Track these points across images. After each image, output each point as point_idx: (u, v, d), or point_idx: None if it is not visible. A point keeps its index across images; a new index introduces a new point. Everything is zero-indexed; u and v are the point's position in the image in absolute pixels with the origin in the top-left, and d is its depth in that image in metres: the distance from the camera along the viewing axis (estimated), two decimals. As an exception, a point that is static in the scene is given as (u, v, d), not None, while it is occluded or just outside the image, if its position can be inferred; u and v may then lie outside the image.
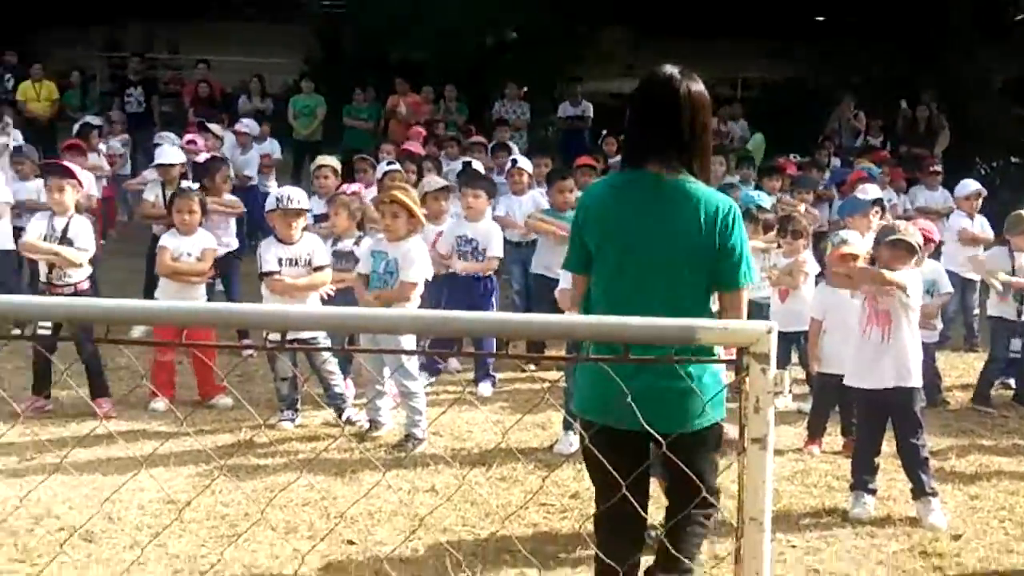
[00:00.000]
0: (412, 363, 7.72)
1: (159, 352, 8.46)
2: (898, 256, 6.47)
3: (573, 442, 7.46)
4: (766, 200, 10.08)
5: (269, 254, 8.07)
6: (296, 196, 8.18)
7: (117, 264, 11.95)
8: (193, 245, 8.66)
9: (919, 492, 6.48)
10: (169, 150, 11.27)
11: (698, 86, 4.18)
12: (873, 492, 6.59)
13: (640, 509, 3.99)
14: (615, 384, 3.46)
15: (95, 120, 16.03)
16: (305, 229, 8.32)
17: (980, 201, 11.20)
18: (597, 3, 23.03)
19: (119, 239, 14.76)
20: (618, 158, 14.50)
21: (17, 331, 9.09)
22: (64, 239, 8.17)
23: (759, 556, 2.87)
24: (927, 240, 8.70)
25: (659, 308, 3.67)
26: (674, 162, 4.14)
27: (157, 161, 11.03)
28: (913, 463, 6.51)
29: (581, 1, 22.54)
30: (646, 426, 3.41)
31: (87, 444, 7.27)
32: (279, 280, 7.98)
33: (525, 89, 19.56)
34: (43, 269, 8.25)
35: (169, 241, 8.66)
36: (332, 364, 7.96)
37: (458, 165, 12.57)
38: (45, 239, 8.17)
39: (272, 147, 16.13)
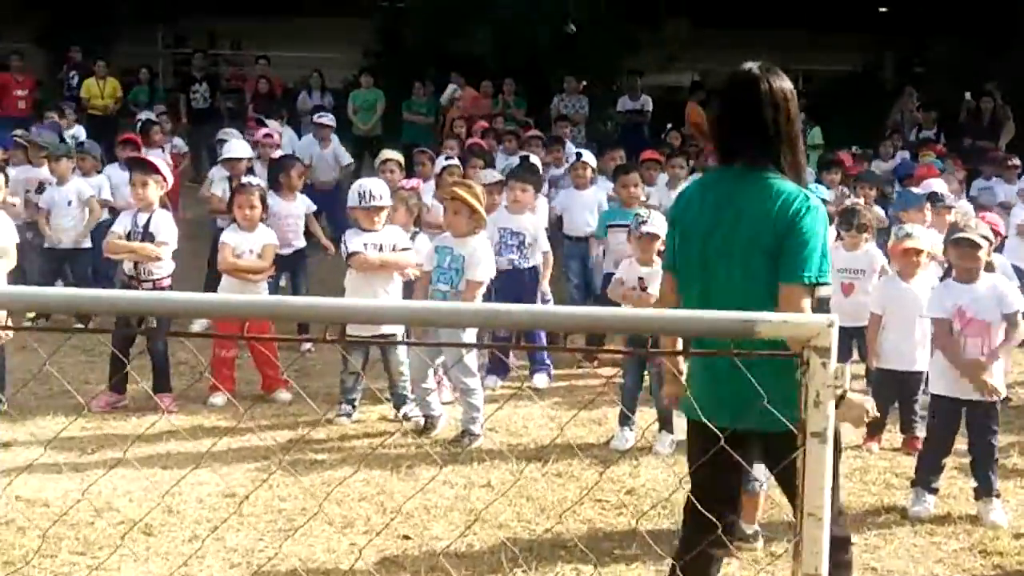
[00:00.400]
0: (471, 359, 7.71)
1: (220, 347, 8.48)
2: (965, 254, 6.37)
3: (629, 438, 7.45)
4: (825, 193, 9.93)
5: (353, 241, 8.09)
6: (378, 191, 8.17)
7: (180, 260, 12.02)
8: (254, 241, 8.69)
9: (984, 492, 6.38)
10: (237, 144, 11.39)
11: (781, 82, 4.16)
12: (935, 491, 6.49)
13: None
14: (713, 382, 3.64)
15: (154, 116, 16.16)
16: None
17: None
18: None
19: (182, 235, 14.81)
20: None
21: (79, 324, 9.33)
22: (146, 235, 8.25)
23: (818, 552, 2.81)
24: (995, 234, 8.58)
25: (737, 300, 3.74)
26: (760, 158, 4.12)
27: (225, 155, 11.15)
28: (984, 464, 6.41)
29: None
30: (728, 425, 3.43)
31: (148, 439, 7.31)
32: (362, 256, 7.99)
33: (584, 83, 19.49)
34: (127, 265, 8.33)
35: (230, 237, 8.69)
36: (405, 364, 7.95)
37: (515, 160, 12.51)
38: (129, 236, 8.27)
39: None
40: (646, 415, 7.68)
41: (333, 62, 22.81)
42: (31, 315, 9.60)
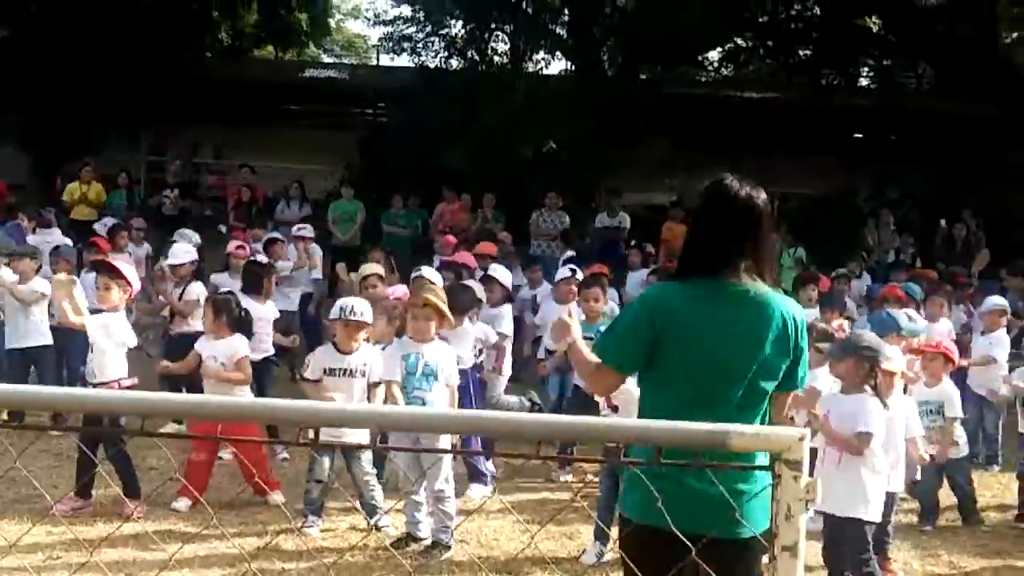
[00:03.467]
0: (446, 465, 7.66)
1: (194, 450, 8.40)
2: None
3: (601, 552, 7.38)
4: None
5: (317, 361, 8.11)
6: (360, 308, 8.18)
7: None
8: (225, 351, 8.69)
9: None
10: (179, 248, 11.55)
11: (762, 195, 4.22)
12: None
13: None
14: (659, 484, 3.48)
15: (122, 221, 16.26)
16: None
17: (1004, 319, 11.10)
18: (636, 115, 23.26)
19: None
20: (642, 271, 14.65)
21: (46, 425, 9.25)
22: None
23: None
24: (947, 360, 8.68)
25: (731, 416, 3.78)
26: (745, 271, 4.13)
27: (168, 261, 11.30)
28: None
29: (620, 113, 22.76)
30: (676, 529, 3.33)
31: (114, 543, 7.21)
32: (308, 383, 8.01)
33: (564, 199, 19.68)
34: (88, 366, 8.30)
35: (203, 346, 8.71)
36: (371, 474, 7.92)
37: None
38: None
39: (315, 251, 16.24)
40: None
41: (314, 173, 23.01)
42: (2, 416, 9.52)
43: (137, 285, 8.98)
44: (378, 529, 7.82)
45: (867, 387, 6.61)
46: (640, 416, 4.24)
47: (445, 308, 7.88)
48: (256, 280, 10.40)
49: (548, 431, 3.53)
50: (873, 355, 6.67)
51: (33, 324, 10.65)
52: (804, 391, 4.39)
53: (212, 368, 8.65)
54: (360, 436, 7.38)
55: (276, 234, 14.33)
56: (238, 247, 12.66)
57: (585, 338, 9.03)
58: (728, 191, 4.21)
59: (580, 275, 11.15)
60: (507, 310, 10.54)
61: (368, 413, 3.23)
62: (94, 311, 8.66)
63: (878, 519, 6.64)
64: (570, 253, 16.15)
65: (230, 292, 9.66)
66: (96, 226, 16.69)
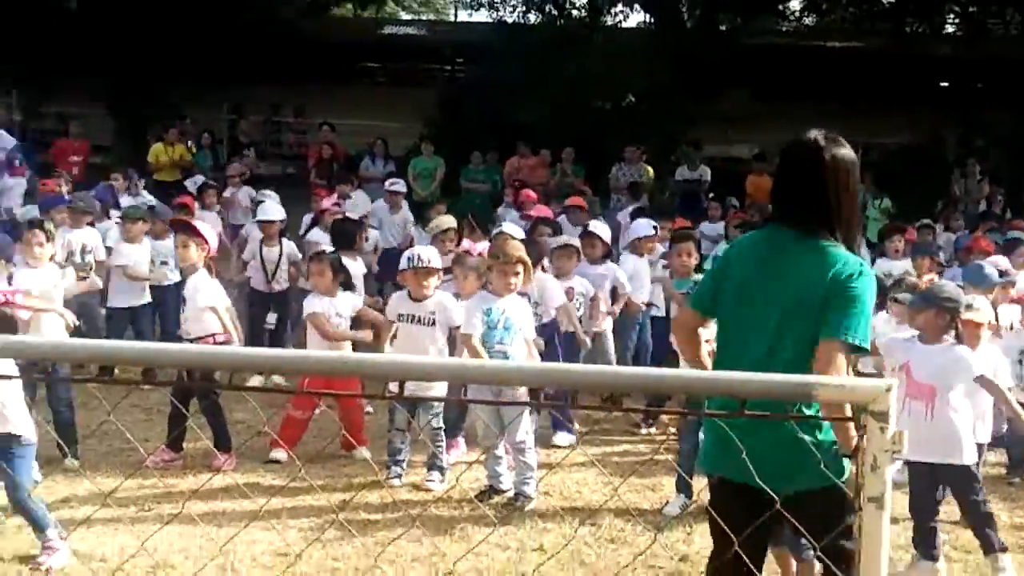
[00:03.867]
0: (526, 418, 7.72)
1: (297, 407, 8.52)
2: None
3: (684, 504, 7.40)
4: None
5: (392, 306, 8.30)
6: (427, 255, 8.26)
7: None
8: (339, 306, 8.84)
9: (987, 550, 6.41)
10: (271, 206, 11.64)
11: (843, 151, 4.20)
12: (934, 559, 6.43)
13: (754, 567, 3.90)
14: (743, 439, 3.43)
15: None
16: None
17: None
18: (715, 67, 23.02)
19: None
20: (719, 224, 14.52)
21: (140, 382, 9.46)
22: (183, 297, 8.42)
23: (875, 619, 2.79)
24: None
25: (769, 360, 3.89)
26: (815, 224, 4.15)
27: (259, 217, 11.40)
28: (977, 524, 6.50)
29: (699, 66, 22.54)
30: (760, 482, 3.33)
31: (204, 496, 7.37)
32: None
33: (643, 152, 19.57)
34: (182, 325, 8.52)
35: (316, 304, 8.83)
36: (440, 428, 8.02)
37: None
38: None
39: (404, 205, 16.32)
40: (702, 480, 7.60)
41: (393, 131, 23.10)
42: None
43: (215, 243, 9.10)
44: (426, 487, 7.90)
45: (947, 338, 6.54)
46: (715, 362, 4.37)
47: (530, 263, 7.92)
48: (349, 237, 10.54)
49: (631, 383, 3.55)
50: (954, 306, 6.59)
51: (133, 283, 10.86)
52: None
53: (335, 324, 8.77)
54: (438, 389, 7.42)
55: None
56: (334, 204, 12.77)
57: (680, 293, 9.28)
58: (804, 144, 4.22)
59: (598, 231, 10.84)
60: (613, 267, 10.46)
61: (450, 366, 3.26)
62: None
63: (976, 460, 6.61)
64: (636, 205, 15.96)
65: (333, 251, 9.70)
66: (187, 183, 16.90)
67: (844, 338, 3.99)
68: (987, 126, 21.99)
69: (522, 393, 7.16)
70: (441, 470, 7.98)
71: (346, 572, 6.28)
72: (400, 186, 14.99)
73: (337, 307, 8.82)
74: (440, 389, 7.40)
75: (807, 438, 3.94)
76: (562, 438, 9.10)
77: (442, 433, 8.07)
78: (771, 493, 3.25)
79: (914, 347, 6.64)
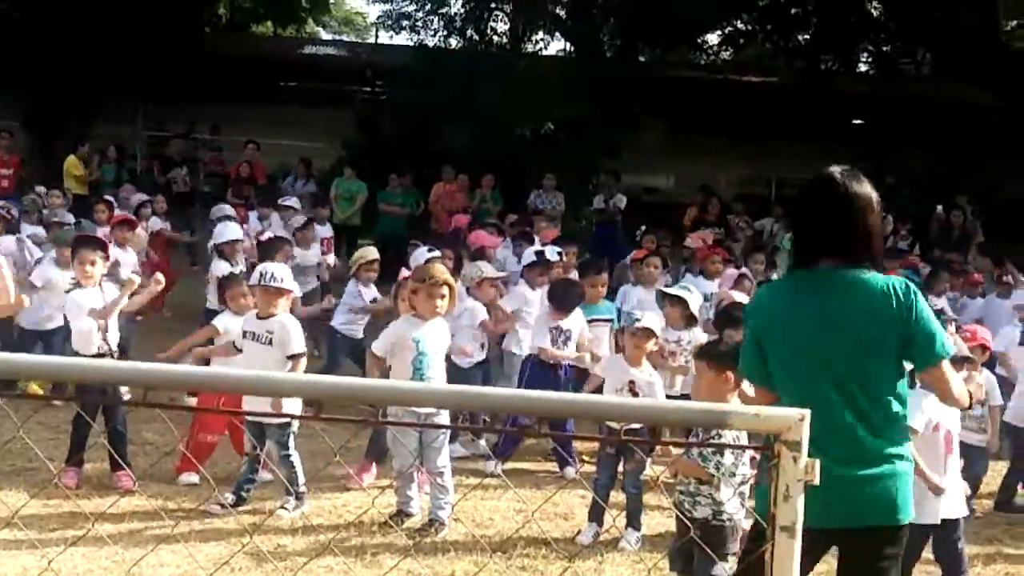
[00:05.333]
0: (446, 444, 7.70)
1: (204, 431, 8.39)
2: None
3: (596, 533, 7.42)
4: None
5: (243, 323, 8.20)
6: (280, 274, 8.20)
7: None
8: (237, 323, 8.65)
9: None
10: (232, 227, 11.59)
11: (865, 186, 4.24)
12: None
13: None
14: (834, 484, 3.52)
15: (142, 196, 16.29)
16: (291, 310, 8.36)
17: None
18: (633, 98, 23.26)
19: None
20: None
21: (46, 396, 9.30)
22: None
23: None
24: (983, 348, 8.62)
25: (854, 401, 4.03)
26: (849, 257, 4.17)
27: (222, 239, 11.32)
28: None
29: (618, 95, 22.75)
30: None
31: (110, 517, 7.23)
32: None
33: (556, 181, 19.66)
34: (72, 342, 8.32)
35: (224, 321, 8.75)
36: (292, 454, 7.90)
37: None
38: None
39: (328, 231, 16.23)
40: (615, 511, 7.64)
41: (312, 151, 22.99)
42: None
43: (113, 257, 9.05)
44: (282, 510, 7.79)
45: None
46: None
47: (457, 286, 7.89)
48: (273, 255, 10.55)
49: (551, 409, 3.56)
50: None
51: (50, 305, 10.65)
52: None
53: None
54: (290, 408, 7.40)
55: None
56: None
57: (593, 320, 9.43)
58: (827, 181, 4.25)
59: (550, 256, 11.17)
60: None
61: (373, 387, 3.23)
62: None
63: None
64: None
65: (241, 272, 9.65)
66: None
67: (942, 356, 4.12)
68: (898, 164, 22.44)
69: (442, 417, 7.17)
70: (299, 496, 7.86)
71: (254, 597, 6.21)
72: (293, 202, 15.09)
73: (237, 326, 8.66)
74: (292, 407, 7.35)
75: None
76: (569, 472, 9.07)
77: (292, 457, 7.90)
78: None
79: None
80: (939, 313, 9.32)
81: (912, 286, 4.16)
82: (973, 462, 8.72)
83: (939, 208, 19.81)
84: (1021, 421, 9.15)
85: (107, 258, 8.58)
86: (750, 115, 25.05)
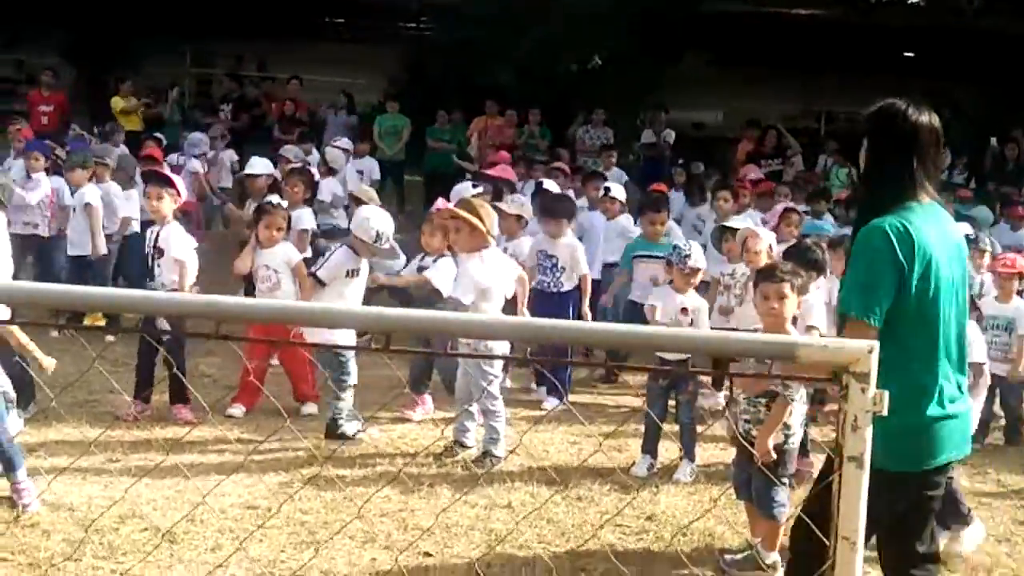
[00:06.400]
0: (495, 383, 7.75)
1: (248, 358, 8.50)
2: None
3: (650, 465, 7.48)
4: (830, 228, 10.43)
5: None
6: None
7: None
8: (277, 260, 8.71)
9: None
10: (256, 160, 11.54)
11: (933, 116, 4.27)
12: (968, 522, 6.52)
13: None
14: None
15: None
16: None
17: None
18: (682, 32, 23.03)
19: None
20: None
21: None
22: (155, 248, 8.34)
23: (851, 576, 2.85)
24: (1019, 275, 8.65)
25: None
26: (936, 192, 4.27)
27: (246, 171, 11.34)
28: None
29: (665, 30, 22.54)
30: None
31: (171, 449, 7.37)
32: None
33: (604, 115, 19.57)
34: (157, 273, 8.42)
35: (247, 260, 8.82)
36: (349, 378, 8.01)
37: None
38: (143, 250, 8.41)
39: (371, 166, 16.26)
40: (667, 443, 7.70)
41: (358, 88, 22.95)
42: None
43: (185, 194, 9.06)
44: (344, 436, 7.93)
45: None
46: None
47: (475, 220, 7.76)
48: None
49: (610, 340, 3.58)
50: None
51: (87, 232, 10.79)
52: None
53: (264, 276, 8.68)
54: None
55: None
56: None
57: (645, 256, 9.48)
58: (904, 113, 4.22)
59: (615, 193, 11.29)
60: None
61: (431, 319, 3.26)
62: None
63: None
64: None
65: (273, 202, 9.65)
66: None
67: None
68: (950, 97, 22.13)
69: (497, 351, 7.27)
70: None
71: (314, 526, 6.31)
72: (344, 143, 15.04)
73: (267, 260, 8.69)
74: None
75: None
76: (551, 403, 9.15)
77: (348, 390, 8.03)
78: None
79: None
80: (972, 241, 9.32)
81: None
82: (1004, 392, 8.73)
83: (993, 141, 19.57)
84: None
85: (177, 194, 8.61)
86: (797, 49, 24.75)
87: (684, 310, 7.56)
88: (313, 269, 8.10)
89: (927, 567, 4.27)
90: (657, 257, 9.44)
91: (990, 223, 12.25)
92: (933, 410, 4.06)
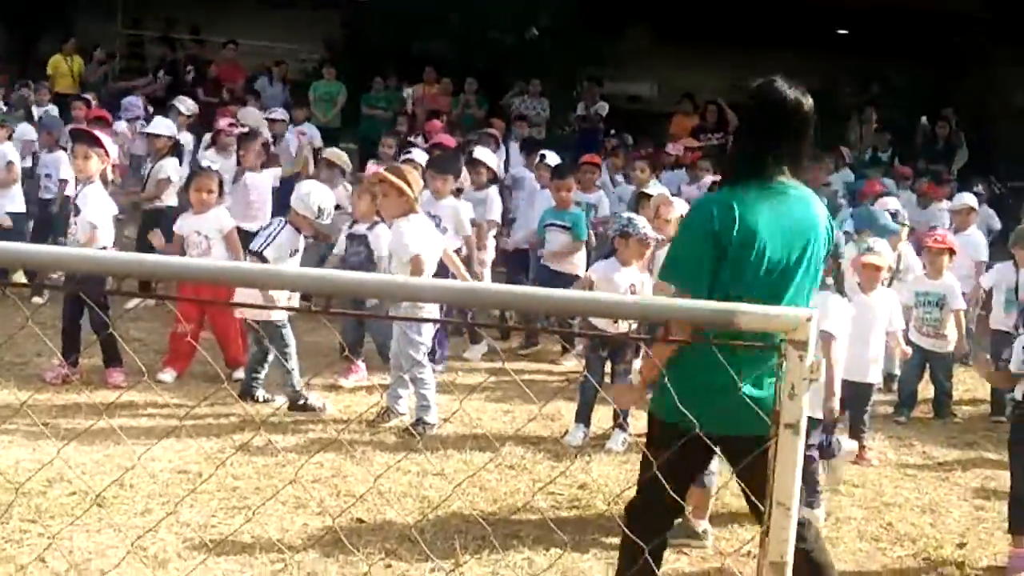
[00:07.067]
0: (422, 351, 7.73)
1: (178, 323, 8.41)
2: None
3: (584, 434, 7.52)
4: None
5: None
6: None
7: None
8: (206, 225, 8.61)
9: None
10: (159, 121, 11.51)
11: (808, 99, 4.27)
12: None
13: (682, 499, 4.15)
14: (713, 392, 3.81)
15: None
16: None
17: (972, 216, 11.08)
18: (619, 6, 23.02)
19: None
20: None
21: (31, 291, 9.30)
22: (74, 206, 8.22)
23: (785, 540, 2.87)
24: (949, 251, 8.79)
25: None
26: (792, 172, 4.25)
27: (146, 130, 11.28)
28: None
29: (603, 3, 22.53)
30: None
31: (102, 412, 7.28)
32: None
33: (540, 87, 19.55)
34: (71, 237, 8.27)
35: (185, 223, 8.70)
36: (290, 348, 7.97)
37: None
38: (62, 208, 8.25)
39: (312, 132, 16.07)
40: (600, 412, 7.74)
41: (293, 53, 22.70)
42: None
43: (115, 155, 8.91)
44: (249, 397, 7.98)
45: (828, 280, 6.54)
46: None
47: (402, 184, 7.69)
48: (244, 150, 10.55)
49: (549, 306, 3.58)
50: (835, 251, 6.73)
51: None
52: None
53: (195, 243, 8.58)
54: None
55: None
56: (229, 124, 12.59)
57: (556, 224, 9.59)
58: (779, 95, 4.25)
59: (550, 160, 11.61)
60: (494, 193, 10.50)
61: (361, 281, 3.21)
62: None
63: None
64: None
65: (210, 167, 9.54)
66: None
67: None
68: (883, 74, 22.38)
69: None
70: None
71: (247, 491, 6.27)
72: (279, 114, 14.88)
73: (199, 226, 8.61)
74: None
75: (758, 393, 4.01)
76: (474, 352, 9.15)
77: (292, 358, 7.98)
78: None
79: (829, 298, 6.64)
80: (893, 216, 9.47)
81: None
82: (934, 367, 8.88)
83: (924, 119, 19.82)
84: (999, 324, 9.28)
85: (106, 155, 8.45)
86: (734, 24, 24.82)
87: (632, 285, 7.59)
88: (256, 247, 7.95)
89: None
90: (565, 227, 9.59)
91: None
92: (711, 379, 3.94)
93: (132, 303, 9.90)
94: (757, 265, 4.11)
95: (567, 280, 9.22)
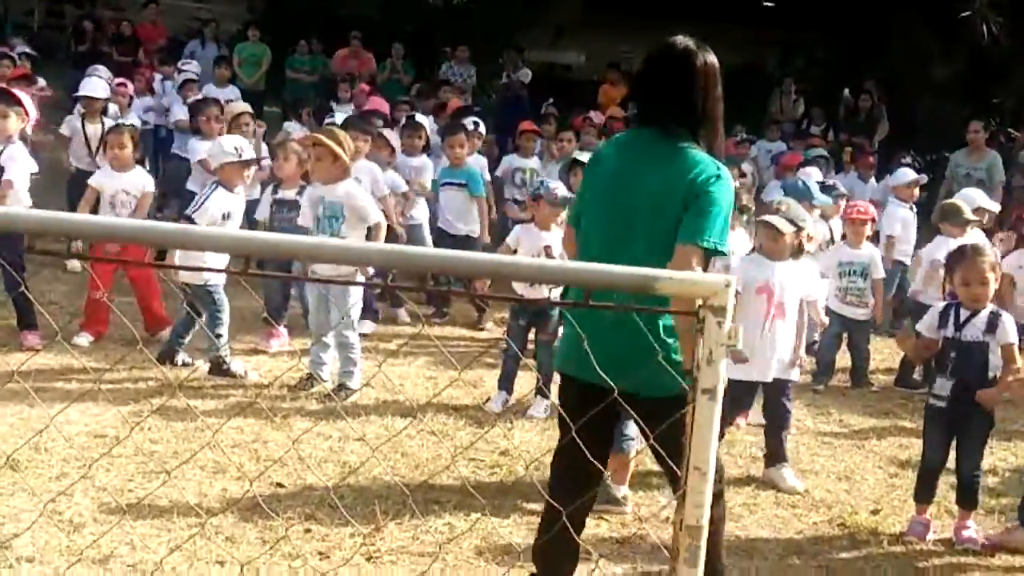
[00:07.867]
0: (355, 313, 7.69)
1: (92, 287, 8.29)
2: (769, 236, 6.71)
3: (505, 400, 7.53)
4: None
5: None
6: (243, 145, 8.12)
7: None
8: (128, 183, 8.49)
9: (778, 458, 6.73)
10: (96, 82, 11.26)
11: (712, 57, 4.24)
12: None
13: (599, 460, 4.04)
14: (593, 341, 3.64)
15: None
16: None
17: (917, 190, 11.25)
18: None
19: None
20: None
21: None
22: None
23: (701, 505, 2.89)
24: (868, 220, 8.94)
25: (615, 257, 3.60)
26: (676, 126, 4.18)
27: (81, 92, 11.05)
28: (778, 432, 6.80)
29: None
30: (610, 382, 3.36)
31: (15, 375, 7.15)
32: None
33: (468, 53, 19.47)
34: None
35: (101, 180, 8.53)
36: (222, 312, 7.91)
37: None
38: None
39: (234, 93, 15.83)
40: (522, 379, 7.75)
41: (216, 14, 22.38)
42: None
43: (35, 114, 8.75)
44: (228, 372, 7.85)
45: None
46: None
47: (336, 148, 7.61)
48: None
49: (478, 270, 3.57)
50: (803, 224, 6.82)
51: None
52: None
53: (124, 202, 8.45)
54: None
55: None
56: (119, 84, 12.55)
57: (451, 183, 9.54)
58: (674, 51, 4.24)
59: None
60: (429, 162, 10.47)
61: (288, 243, 3.19)
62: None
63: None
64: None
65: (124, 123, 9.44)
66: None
67: (700, 243, 4.01)
68: (807, 46, 22.56)
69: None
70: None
71: (164, 455, 6.21)
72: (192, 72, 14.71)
73: (124, 184, 8.51)
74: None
75: (658, 347, 3.92)
76: (367, 326, 9.11)
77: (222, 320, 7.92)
78: (617, 391, 3.32)
79: (776, 266, 6.66)
80: (830, 188, 9.62)
81: (723, 177, 4.12)
82: (855, 336, 9.03)
83: (846, 92, 20.01)
84: (924, 298, 9.40)
85: (26, 114, 8.28)
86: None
87: (548, 248, 7.58)
88: (189, 211, 7.82)
89: None
90: (461, 184, 9.84)
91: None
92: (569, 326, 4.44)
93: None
94: (603, 208, 4.25)
95: (462, 242, 9.42)
